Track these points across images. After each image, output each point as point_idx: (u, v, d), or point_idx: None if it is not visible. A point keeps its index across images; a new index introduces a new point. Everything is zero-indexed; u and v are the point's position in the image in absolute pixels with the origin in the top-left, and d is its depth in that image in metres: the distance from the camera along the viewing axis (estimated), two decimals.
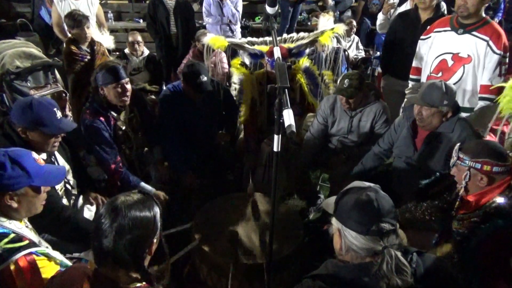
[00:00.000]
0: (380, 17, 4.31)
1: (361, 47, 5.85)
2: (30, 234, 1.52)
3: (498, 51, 2.63)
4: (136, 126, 2.76)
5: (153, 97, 4.38)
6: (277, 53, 1.62)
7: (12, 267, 1.33)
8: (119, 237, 1.17)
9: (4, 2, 6.65)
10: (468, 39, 2.72)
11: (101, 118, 2.51)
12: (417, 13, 3.39)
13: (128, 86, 2.51)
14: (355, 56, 5.72)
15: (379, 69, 4.59)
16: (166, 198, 2.57)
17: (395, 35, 3.57)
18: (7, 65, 3.15)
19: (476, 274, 1.64)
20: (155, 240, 1.28)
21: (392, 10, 4.30)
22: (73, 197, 2.29)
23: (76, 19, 3.45)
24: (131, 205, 1.22)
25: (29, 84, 3.19)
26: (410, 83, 3.25)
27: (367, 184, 1.35)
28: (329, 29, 3.02)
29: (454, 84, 2.74)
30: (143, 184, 2.61)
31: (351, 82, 2.69)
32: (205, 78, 2.75)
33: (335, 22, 3.36)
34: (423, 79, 3.08)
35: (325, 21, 3.32)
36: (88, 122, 2.48)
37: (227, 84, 4.11)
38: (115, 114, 2.59)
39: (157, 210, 1.29)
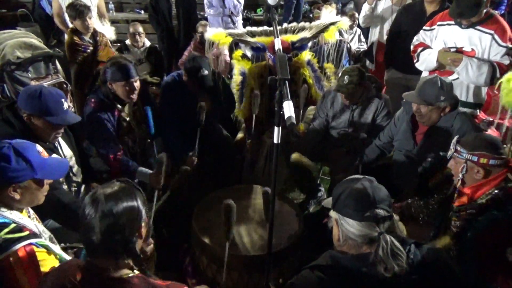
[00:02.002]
0: (365, 7, 4.07)
1: (363, 39, 5.80)
2: (31, 224, 1.53)
3: (504, 44, 2.62)
4: (139, 118, 2.76)
5: (154, 88, 4.37)
6: (277, 44, 1.61)
7: (11, 257, 1.34)
8: (104, 227, 1.18)
9: None
10: (472, 33, 2.70)
11: (106, 109, 2.51)
12: (423, 5, 3.34)
13: (137, 84, 2.51)
14: (357, 49, 5.68)
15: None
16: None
17: (400, 28, 3.52)
18: (8, 55, 3.15)
19: (473, 266, 1.66)
20: (143, 224, 1.28)
21: (375, 1, 3.99)
22: (74, 184, 2.29)
23: (78, 10, 3.44)
24: (111, 195, 1.22)
25: (30, 74, 3.19)
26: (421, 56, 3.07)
27: (362, 176, 1.40)
28: (333, 23, 3.00)
29: (457, 78, 2.73)
30: (140, 168, 2.58)
31: (351, 79, 2.67)
32: (206, 72, 2.74)
33: (337, 14, 3.35)
34: (426, 73, 3.06)
35: (328, 13, 3.31)
36: (92, 111, 2.48)
37: (229, 76, 4.10)
38: (120, 106, 2.59)
39: (138, 194, 1.29)
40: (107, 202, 1.20)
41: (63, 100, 1.98)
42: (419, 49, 3.05)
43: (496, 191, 1.66)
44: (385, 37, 3.97)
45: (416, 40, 3.10)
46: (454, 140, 1.79)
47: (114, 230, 1.19)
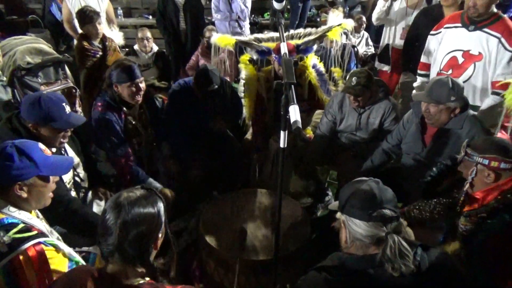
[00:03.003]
0: (380, 4, 3.94)
1: (370, 43, 5.79)
2: (40, 224, 1.54)
3: (510, 48, 2.58)
4: (145, 122, 2.78)
5: (160, 95, 4.39)
6: (283, 49, 1.62)
7: (21, 256, 1.35)
8: (124, 233, 1.18)
9: None
10: (479, 36, 2.67)
11: (113, 112, 2.53)
12: (441, 9, 3.31)
13: (142, 85, 2.54)
14: (365, 52, 5.66)
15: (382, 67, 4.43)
16: (173, 196, 2.58)
17: (417, 31, 3.50)
18: (18, 61, 3.19)
19: (483, 270, 1.63)
20: (160, 235, 1.29)
21: (389, 0, 3.91)
22: (83, 190, 2.31)
23: (88, 15, 3.47)
24: (134, 201, 1.22)
25: (39, 80, 3.23)
26: (419, 79, 3.21)
27: (367, 178, 1.40)
28: (337, 24, 3.00)
29: (464, 81, 2.70)
30: (151, 180, 2.62)
31: (359, 80, 2.66)
32: (216, 86, 2.80)
33: (344, 18, 3.34)
34: (433, 75, 3.04)
35: (334, 17, 3.30)
36: (100, 115, 2.50)
37: (236, 80, 4.12)
38: (126, 109, 2.61)
39: (160, 205, 1.29)
40: (130, 209, 1.20)
41: (64, 103, 1.98)
42: (420, 71, 3.19)
43: (508, 195, 1.63)
44: (397, 40, 3.95)
45: (424, 53, 3.12)
46: (464, 143, 1.77)
47: (132, 239, 1.19)
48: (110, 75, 2.50)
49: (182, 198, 2.79)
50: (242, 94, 3.33)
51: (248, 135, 3.50)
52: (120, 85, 2.48)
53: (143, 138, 2.77)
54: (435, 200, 2.05)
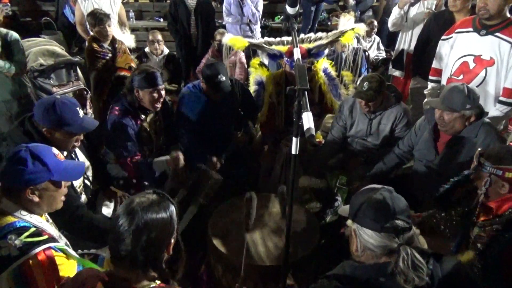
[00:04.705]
0: (395, 11, 3.94)
1: (382, 47, 5.76)
2: (50, 228, 1.55)
3: None
4: (159, 130, 2.78)
5: (168, 98, 4.41)
6: (297, 54, 1.60)
7: (31, 261, 1.35)
8: (137, 240, 1.17)
9: (30, 1, 6.83)
10: (491, 40, 2.63)
11: (130, 117, 2.54)
12: (452, 14, 3.29)
13: (163, 93, 2.56)
14: (376, 57, 5.63)
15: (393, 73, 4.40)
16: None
17: (428, 37, 3.48)
18: (31, 62, 3.23)
19: (499, 283, 1.59)
20: (172, 240, 1.28)
21: (407, 6, 3.90)
22: (91, 192, 2.32)
23: (98, 17, 3.51)
24: (147, 207, 1.21)
25: (52, 81, 3.26)
26: (430, 85, 3.17)
27: (380, 186, 1.37)
28: (349, 29, 2.98)
29: (475, 87, 2.66)
30: (156, 159, 2.58)
31: (371, 85, 2.63)
32: (223, 78, 2.75)
33: (355, 22, 3.32)
34: (444, 81, 3.01)
35: (346, 21, 3.28)
36: (117, 119, 2.51)
37: (246, 84, 4.12)
38: (143, 116, 2.62)
39: (172, 209, 1.29)
40: (143, 215, 1.19)
41: (77, 108, 1.99)
42: (432, 77, 3.15)
43: None
44: (413, 45, 3.90)
45: (435, 58, 3.09)
46: (477, 152, 1.73)
47: (144, 245, 1.18)
48: (132, 80, 2.51)
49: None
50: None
51: (258, 139, 3.49)
52: (142, 90, 2.49)
53: (154, 145, 2.77)
54: (452, 211, 2.01)
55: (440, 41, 3.01)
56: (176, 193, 2.65)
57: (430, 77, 3.17)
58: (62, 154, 1.68)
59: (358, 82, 2.85)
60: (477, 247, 1.71)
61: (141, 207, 1.21)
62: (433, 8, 3.90)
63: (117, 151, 2.57)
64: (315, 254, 2.22)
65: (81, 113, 2.00)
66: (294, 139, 1.40)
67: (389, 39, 6.33)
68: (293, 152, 1.42)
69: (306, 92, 1.32)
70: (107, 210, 2.38)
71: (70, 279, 1.30)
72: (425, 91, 3.19)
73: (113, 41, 3.67)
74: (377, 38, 5.71)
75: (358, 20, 5.85)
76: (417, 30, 3.86)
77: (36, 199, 1.48)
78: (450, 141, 2.31)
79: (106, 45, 3.64)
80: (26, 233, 1.40)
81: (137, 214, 1.19)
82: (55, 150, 1.57)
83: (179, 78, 4.96)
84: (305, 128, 1.23)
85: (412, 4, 3.92)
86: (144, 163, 2.56)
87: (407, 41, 4.04)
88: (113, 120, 2.52)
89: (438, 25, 3.39)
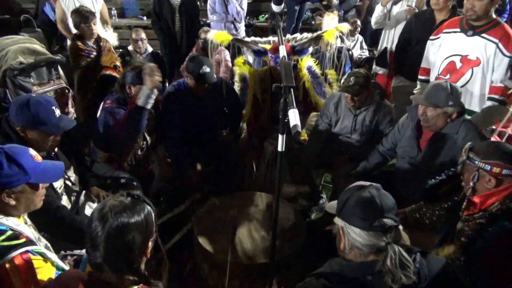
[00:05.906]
0: (378, 8, 3.99)
1: (365, 46, 5.82)
2: (28, 231, 1.51)
3: (508, 54, 2.59)
4: (151, 127, 2.76)
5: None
6: (282, 51, 1.61)
7: (7, 265, 1.32)
8: (110, 246, 1.14)
9: None
10: (478, 41, 2.68)
11: (123, 109, 2.52)
12: (433, 13, 3.33)
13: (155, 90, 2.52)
14: (359, 56, 5.69)
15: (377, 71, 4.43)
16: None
17: (409, 35, 3.52)
18: (10, 60, 3.15)
19: (482, 277, 1.62)
20: (150, 243, 1.25)
21: (390, 4, 3.95)
22: (75, 193, 2.28)
23: (83, 15, 3.44)
24: (120, 212, 1.17)
25: (32, 80, 3.18)
26: (419, 84, 3.22)
27: (368, 183, 1.37)
28: (333, 27, 3.00)
29: (461, 86, 2.71)
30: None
31: (357, 80, 2.67)
32: (208, 69, 2.73)
33: (339, 21, 3.35)
34: (432, 80, 3.05)
35: (330, 20, 3.30)
36: (110, 107, 2.49)
37: (231, 82, 4.11)
38: None
39: (148, 211, 1.25)
40: (115, 221, 1.15)
41: (53, 107, 1.93)
42: (421, 77, 3.18)
43: (508, 201, 1.62)
44: (396, 43, 3.92)
45: (424, 58, 3.12)
46: (467, 146, 1.75)
47: (119, 250, 1.16)
48: (124, 76, 2.51)
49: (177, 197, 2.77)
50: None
51: (243, 137, 3.49)
52: (134, 86, 2.48)
53: (147, 142, 2.74)
54: (437, 205, 2.04)
55: (429, 41, 3.06)
56: (163, 193, 2.63)
57: (419, 77, 3.20)
58: (40, 154, 1.63)
59: (343, 79, 2.88)
60: (461, 241, 1.75)
61: (113, 212, 1.17)
62: (413, 5, 3.96)
63: (112, 134, 2.48)
64: (301, 251, 2.23)
65: (57, 112, 1.94)
66: (280, 136, 1.40)
67: (372, 38, 6.41)
68: (279, 149, 1.42)
69: (292, 90, 1.33)
70: (90, 210, 2.33)
71: (52, 281, 1.28)
72: (414, 90, 3.22)
73: (98, 39, 3.61)
74: (361, 37, 5.77)
75: (342, 19, 5.89)
76: (400, 28, 3.89)
77: (13, 202, 1.44)
78: (432, 138, 2.35)
79: (90, 43, 3.57)
80: (3, 237, 1.37)
81: (108, 220, 1.15)
82: (32, 151, 1.52)
83: (163, 77, 4.90)
84: (291, 125, 1.24)
85: (395, 3, 3.97)
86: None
87: (390, 39, 4.08)
88: (107, 109, 2.49)
89: (419, 24, 3.44)
